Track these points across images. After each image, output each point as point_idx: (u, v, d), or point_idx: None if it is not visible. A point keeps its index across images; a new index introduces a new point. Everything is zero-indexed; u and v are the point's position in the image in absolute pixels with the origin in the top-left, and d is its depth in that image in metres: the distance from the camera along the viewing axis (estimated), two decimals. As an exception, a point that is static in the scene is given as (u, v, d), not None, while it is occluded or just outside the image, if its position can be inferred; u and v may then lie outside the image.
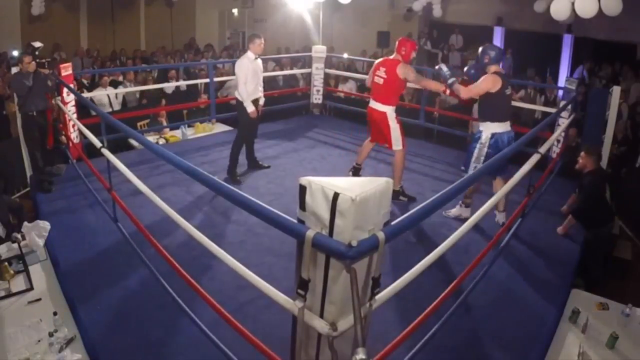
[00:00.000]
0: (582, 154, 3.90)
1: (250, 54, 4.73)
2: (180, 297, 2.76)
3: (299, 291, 1.62)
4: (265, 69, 9.12)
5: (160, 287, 2.91)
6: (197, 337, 2.57)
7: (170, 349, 2.62)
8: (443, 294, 2.51)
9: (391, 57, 4.38)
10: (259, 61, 4.86)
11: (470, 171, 3.86)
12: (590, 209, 3.79)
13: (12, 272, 3.15)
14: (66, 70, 5.15)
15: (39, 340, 2.57)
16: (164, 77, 8.13)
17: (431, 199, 1.97)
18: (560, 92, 6.75)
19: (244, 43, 13.49)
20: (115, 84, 7.34)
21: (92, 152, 4.68)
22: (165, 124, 6.64)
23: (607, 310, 3.05)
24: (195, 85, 7.59)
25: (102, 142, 3.74)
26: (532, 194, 3.82)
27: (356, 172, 4.85)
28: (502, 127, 3.82)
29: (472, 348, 2.72)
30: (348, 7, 9.98)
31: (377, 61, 4.50)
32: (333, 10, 10.69)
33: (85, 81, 7.51)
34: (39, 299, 2.95)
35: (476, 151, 3.87)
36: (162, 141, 6.19)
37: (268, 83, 8.57)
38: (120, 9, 11.91)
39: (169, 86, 7.48)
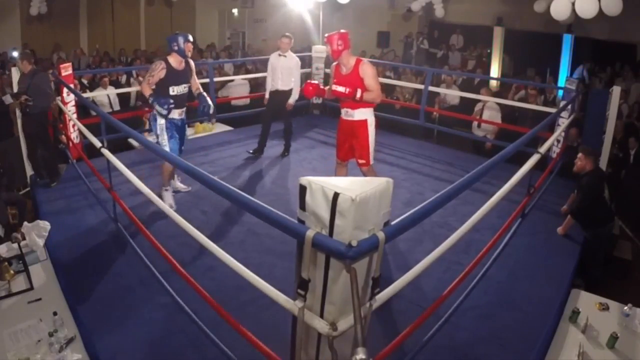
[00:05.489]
0: (580, 155, 3.89)
1: (278, 52, 5.48)
2: (180, 297, 2.76)
3: (299, 291, 1.62)
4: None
5: (161, 287, 2.91)
6: (197, 337, 2.57)
7: (170, 349, 2.62)
8: (443, 294, 2.51)
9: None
10: (281, 58, 5.44)
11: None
12: (588, 209, 3.79)
13: (12, 272, 3.15)
14: (66, 70, 5.15)
15: (39, 340, 2.56)
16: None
17: (431, 198, 1.97)
18: (560, 92, 6.74)
19: (244, 43, 13.51)
20: (116, 85, 7.34)
21: (92, 152, 4.68)
22: (148, 126, 6.51)
23: (607, 310, 3.05)
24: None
25: (102, 142, 3.74)
26: (532, 194, 3.82)
27: None
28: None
29: (472, 348, 2.72)
30: (348, 7, 9.97)
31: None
32: (333, 10, 10.68)
33: (85, 81, 7.51)
34: (39, 299, 2.95)
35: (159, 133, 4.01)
36: (162, 141, 6.18)
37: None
38: (120, 9, 11.91)
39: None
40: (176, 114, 4.00)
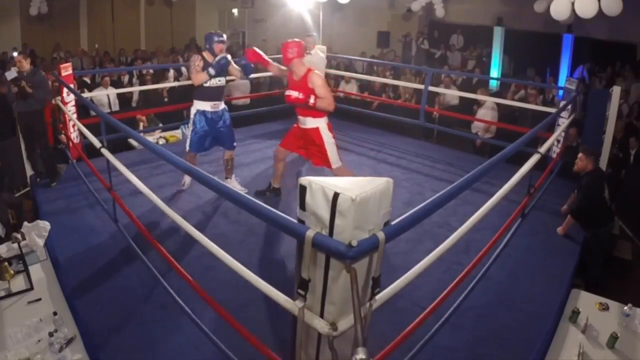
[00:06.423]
0: (581, 155, 3.89)
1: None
2: (180, 297, 2.76)
3: (299, 291, 1.62)
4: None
5: (160, 287, 2.91)
6: (197, 337, 2.57)
7: (170, 349, 2.62)
8: (443, 294, 2.51)
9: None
10: (307, 56, 5.42)
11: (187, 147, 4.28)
12: (588, 209, 3.78)
13: (12, 272, 3.15)
14: (66, 70, 5.15)
15: (39, 340, 2.56)
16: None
17: (431, 198, 1.97)
18: (560, 92, 6.74)
19: (244, 43, 13.51)
20: (116, 85, 7.35)
21: (92, 152, 4.68)
22: (141, 127, 6.50)
23: (607, 310, 3.05)
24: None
25: (102, 142, 3.74)
26: (532, 194, 3.82)
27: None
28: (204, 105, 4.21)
29: (472, 348, 2.72)
30: (348, 7, 9.96)
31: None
32: (333, 10, 10.68)
33: (87, 80, 7.52)
34: (39, 299, 2.95)
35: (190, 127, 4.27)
36: (162, 141, 6.18)
37: (271, 84, 8.61)
38: (120, 9, 11.91)
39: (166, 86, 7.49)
40: (208, 106, 4.18)
